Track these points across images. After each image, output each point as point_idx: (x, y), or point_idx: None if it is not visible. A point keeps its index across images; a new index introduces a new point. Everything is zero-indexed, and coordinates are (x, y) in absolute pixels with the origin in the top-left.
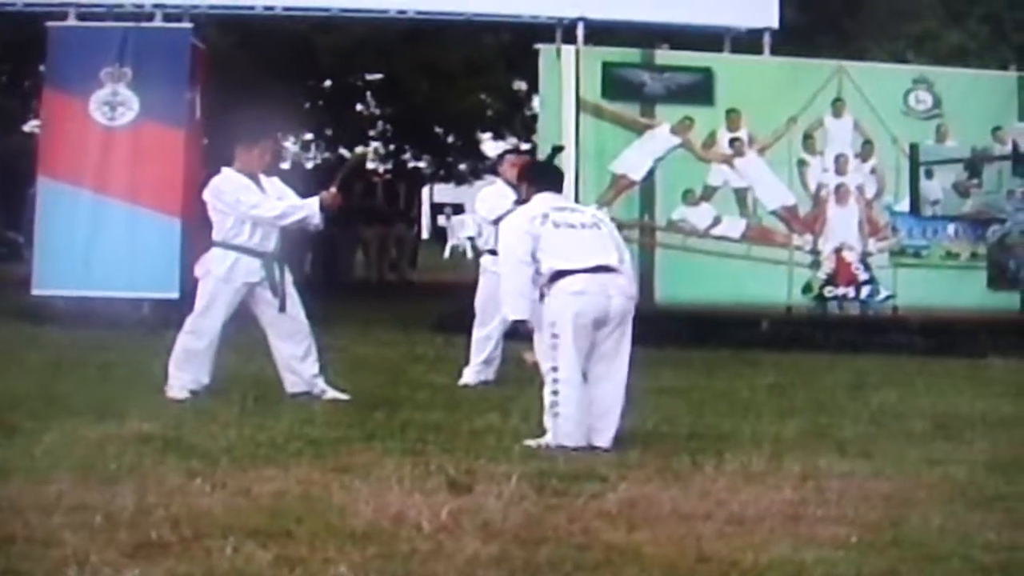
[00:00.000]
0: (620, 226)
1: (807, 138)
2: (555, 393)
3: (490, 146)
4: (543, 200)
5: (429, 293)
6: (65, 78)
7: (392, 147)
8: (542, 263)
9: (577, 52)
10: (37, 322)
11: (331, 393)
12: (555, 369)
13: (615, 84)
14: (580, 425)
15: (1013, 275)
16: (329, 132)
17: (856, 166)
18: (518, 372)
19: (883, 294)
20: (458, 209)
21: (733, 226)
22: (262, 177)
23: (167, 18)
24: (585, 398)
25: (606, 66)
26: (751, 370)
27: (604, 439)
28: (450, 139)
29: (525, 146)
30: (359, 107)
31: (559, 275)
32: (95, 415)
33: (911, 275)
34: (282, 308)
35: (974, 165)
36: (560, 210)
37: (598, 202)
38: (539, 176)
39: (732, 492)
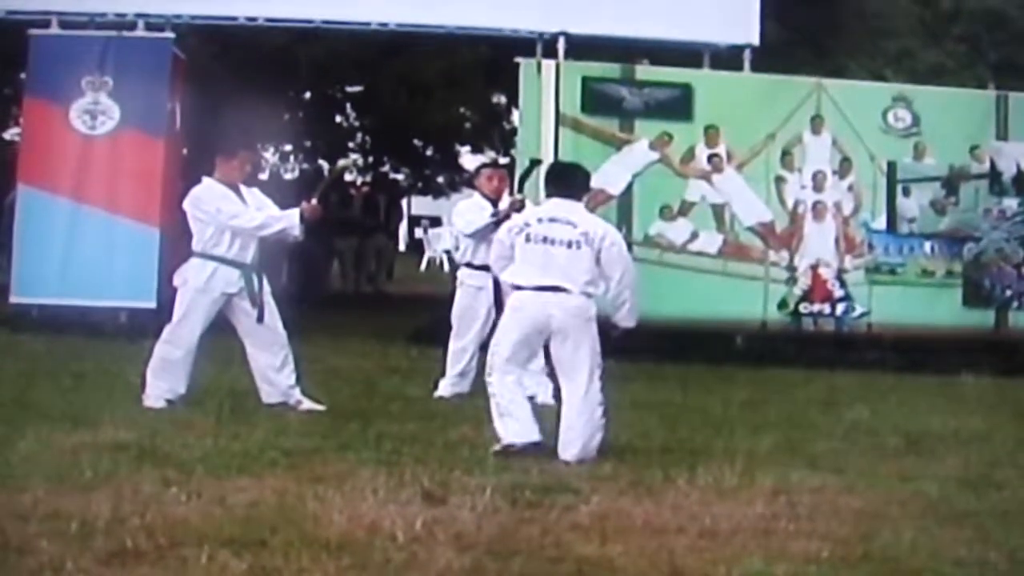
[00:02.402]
0: None
1: (785, 154)
2: (493, 395)
3: (468, 159)
4: (544, 207)
5: (405, 305)
6: (46, 86)
7: (371, 159)
8: (507, 273)
9: (557, 66)
10: (14, 330)
11: (307, 404)
12: (489, 374)
13: (595, 99)
14: (525, 421)
15: (988, 293)
16: (308, 143)
17: (834, 183)
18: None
19: (858, 311)
20: (435, 222)
21: (710, 241)
22: (242, 187)
23: (149, 27)
24: (523, 396)
25: (586, 80)
26: (725, 385)
27: (569, 453)
28: (428, 152)
29: (503, 160)
30: (339, 119)
31: (513, 288)
32: (71, 423)
33: (886, 292)
34: (260, 319)
35: (951, 183)
36: (548, 221)
37: None
38: (557, 180)
39: (705, 506)
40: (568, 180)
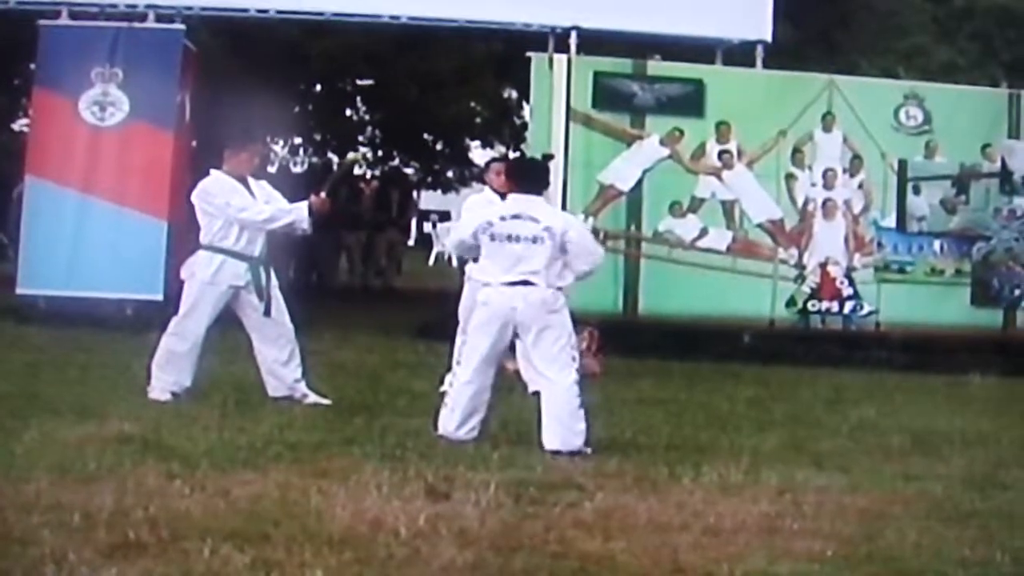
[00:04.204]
0: (606, 236)
1: (796, 152)
2: (451, 385)
3: (478, 154)
4: (507, 204)
5: (412, 300)
6: (56, 77)
7: (381, 153)
8: (473, 269)
9: (569, 61)
10: (20, 321)
11: (312, 398)
12: (458, 363)
13: (606, 94)
14: (457, 417)
15: (996, 293)
16: (318, 137)
17: (844, 181)
18: (497, 380)
19: (866, 309)
20: (444, 216)
21: (719, 238)
22: (251, 180)
23: (160, 19)
24: (474, 397)
25: (597, 76)
26: (731, 383)
27: (551, 443)
28: (438, 146)
29: (513, 154)
30: (349, 112)
31: (478, 283)
32: (76, 415)
33: (895, 291)
34: (267, 312)
35: (962, 182)
36: (512, 218)
37: (585, 212)
38: (518, 176)
39: (709, 504)
40: (529, 175)
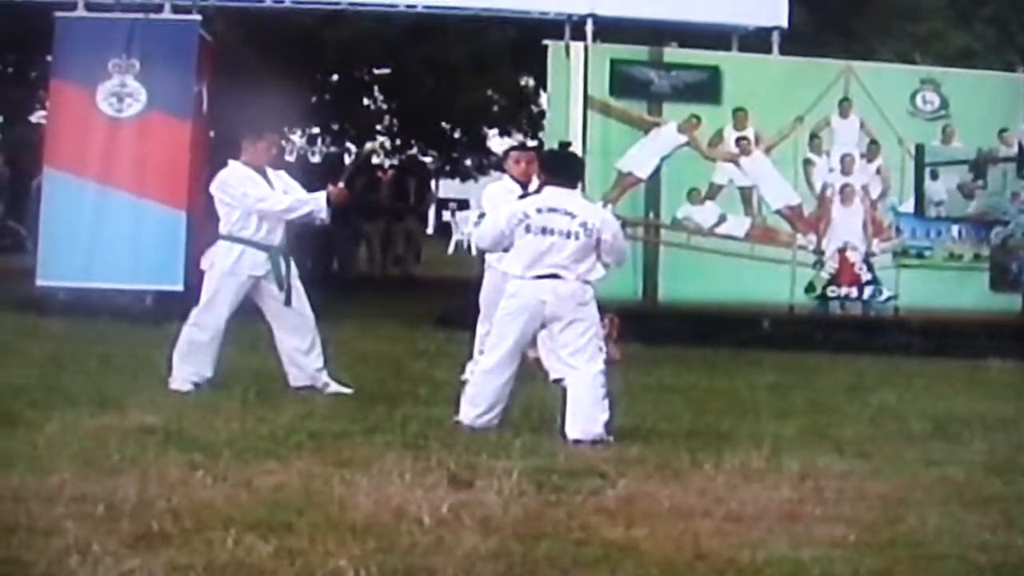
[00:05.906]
0: (624, 224)
1: (813, 138)
2: (472, 373)
3: (496, 142)
4: (543, 196)
5: (432, 288)
6: (73, 69)
7: (398, 142)
8: (503, 259)
9: (586, 49)
10: (41, 313)
11: (334, 387)
12: (482, 352)
13: (623, 82)
14: (479, 407)
15: (1015, 277)
16: (335, 126)
17: (862, 166)
18: (519, 368)
19: (885, 295)
20: (463, 205)
21: (737, 225)
22: (269, 170)
23: (176, 10)
24: (497, 387)
25: (614, 63)
26: (751, 369)
27: (575, 431)
28: (456, 135)
29: (531, 143)
30: (366, 101)
31: (507, 275)
32: (97, 406)
33: (913, 276)
34: (287, 302)
35: (979, 166)
36: (548, 211)
37: (603, 199)
38: (551, 168)
39: (731, 490)
40: (563, 168)
